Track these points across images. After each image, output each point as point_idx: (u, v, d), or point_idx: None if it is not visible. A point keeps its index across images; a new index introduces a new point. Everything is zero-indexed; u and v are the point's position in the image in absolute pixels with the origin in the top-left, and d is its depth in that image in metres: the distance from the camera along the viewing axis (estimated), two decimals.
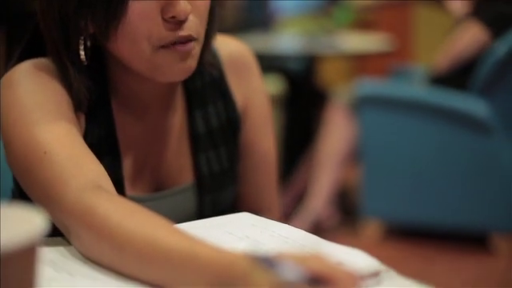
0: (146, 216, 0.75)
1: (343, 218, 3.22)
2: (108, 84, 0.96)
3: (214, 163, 1.06)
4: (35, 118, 0.86)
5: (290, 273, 0.53)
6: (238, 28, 3.62)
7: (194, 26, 0.88)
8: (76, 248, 0.79)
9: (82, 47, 0.90)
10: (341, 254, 0.76)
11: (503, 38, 2.79)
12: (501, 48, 2.77)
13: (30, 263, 0.54)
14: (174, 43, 0.87)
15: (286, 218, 3.07)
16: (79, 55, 0.90)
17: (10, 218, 0.55)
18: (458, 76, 2.98)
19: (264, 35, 4.00)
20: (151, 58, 0.87)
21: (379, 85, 3.31)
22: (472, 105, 2.85)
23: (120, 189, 0.95)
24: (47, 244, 0.81)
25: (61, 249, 0.80)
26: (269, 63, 3.60)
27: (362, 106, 3.02)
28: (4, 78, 0.92)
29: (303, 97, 3.52)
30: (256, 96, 1.11)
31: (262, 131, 1.13)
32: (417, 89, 3.21)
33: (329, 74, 4.33)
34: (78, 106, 0.92)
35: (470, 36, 2.93)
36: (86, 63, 0.91)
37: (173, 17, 0.85)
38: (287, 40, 4.02)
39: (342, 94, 3.25)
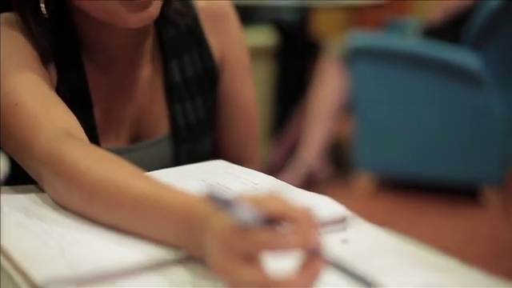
0: (114, 162, 0.75)
1: (335, 171, 3.24)
2: (77, 37, 0.95)
3: (190, 114, 1.05)
4: (4, 70, 0.86)
5: (246, 214, 0.53)
6: None
7: None
8: (49, 195, 0.80)
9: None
10: (306, 199, 0.76)
11: None
12: (493, 1, 2.75)
13: None
14: None
15: (279, 169, 3.08)
16: (40, 8, 0.89)
17: None
18: (452, 28, 2.96)
19: None
20: (109, 5, 0.85)
21: (372, 37, 3.29)
22: (464, 57, 2.84)
23: (94, 140, 0.95)
24: (20, 192, 0.82)
25: (33, 196, 0.81)
26: (261, 14, 3.56)
27: (355, 58, 3.00)
28: None
29: (296, 48, 3.48)
30: (234, 46, 1.10)
31: (242, 82, 1.12)
32: (409, 41, 3.19)
33: (323, 26, 4.27)
34: (45, 59, 0.92)
35: None
36: (47, 16, 0.90)
37: None
38: None
39: (336, 46, 3.23)
